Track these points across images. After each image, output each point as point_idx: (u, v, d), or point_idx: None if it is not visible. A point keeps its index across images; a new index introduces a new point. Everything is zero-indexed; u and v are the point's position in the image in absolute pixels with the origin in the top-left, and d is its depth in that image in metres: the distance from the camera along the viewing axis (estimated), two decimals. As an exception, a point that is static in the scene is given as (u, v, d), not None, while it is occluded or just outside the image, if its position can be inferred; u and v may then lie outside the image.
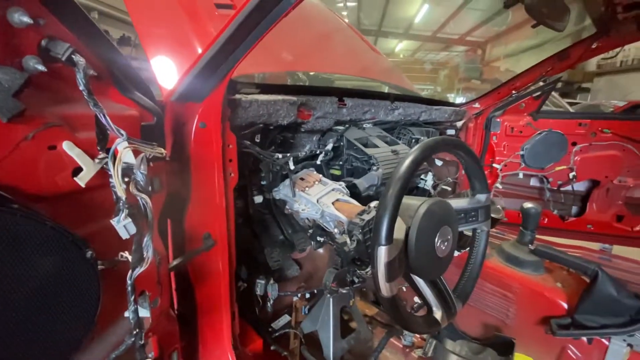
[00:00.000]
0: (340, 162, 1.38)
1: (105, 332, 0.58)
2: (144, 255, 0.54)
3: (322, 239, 1.21)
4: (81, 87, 0.47)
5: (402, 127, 1.76)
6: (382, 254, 0.66)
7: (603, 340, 1.05)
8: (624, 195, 1.96)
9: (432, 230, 0.75)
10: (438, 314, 0.83)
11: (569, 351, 1.11)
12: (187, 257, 0.81)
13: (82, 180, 0.49)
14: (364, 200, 1.11)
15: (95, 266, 0.50)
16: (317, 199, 1.10)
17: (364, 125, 1.49)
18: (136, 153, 0.56)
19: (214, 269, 0.88)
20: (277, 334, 1.33)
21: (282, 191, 1.22)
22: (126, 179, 0.54)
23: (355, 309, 1.40)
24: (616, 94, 8.07)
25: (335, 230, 1.04)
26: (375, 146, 1.37)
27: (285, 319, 1.41)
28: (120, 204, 0.49)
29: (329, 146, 1.33)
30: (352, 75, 2.12)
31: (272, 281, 1.25)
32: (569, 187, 2.02)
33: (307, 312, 1.34)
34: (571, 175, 1.96)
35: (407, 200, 0.79)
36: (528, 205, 1.26)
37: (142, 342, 0.63)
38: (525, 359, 1.15)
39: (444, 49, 13.28)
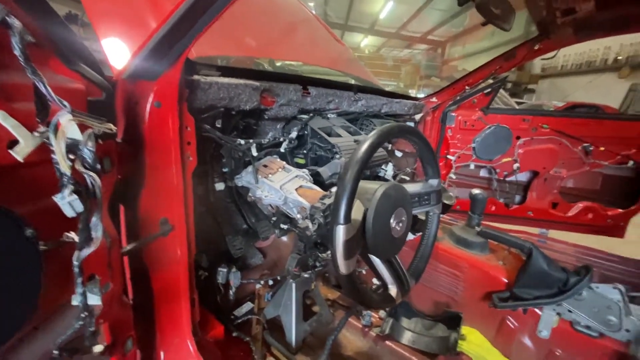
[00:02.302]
0: (305, 151, 1.38)
1: (52, 316, 0.55)
2: (92, 236, 0.51)
3: (285, 227, 1.22)
4: (17, 52, 0.43)
5: (364, 119, 1.81)
6: (341, 232, 0.69)
7: (536, 310, 1.18)
8: (559, 185, 2.18)
9: (388, 211, 0.79)
10: (393, 290, 0.88)
11: (507, 321, 1.23)
12: (143, 241, 0.78)
13: (19, 154, 0.45)
14: (327, 188, 1.12)
15: (36, 246, 0.47)
16: (281, 186, 1.10)
17: (328, 115, 1.52)
18: (83, 129, 0.53)
19: (172, 255, 0.85)
20: (239, 321, 1.32)
21: (244, 178, 1.20)
22: (72, 156, 0.51)
23: (318, 293, 1.43)
24: (557, 95, 8.89)
25: (298, 216, 1.06)
26: (339, 136, 1.40)
27: (248, 306, 1.40)
28: (65, 180, 0.46)
29: (293, 134, 1.33)
30: (317, 66, 2.13)
31: (234, 269, 1.25)
32: (513, 178, 2.21)
33: (270, 298, 1.34)
34: (515, 166, 2.14)
35: (366, 184, 0.82)
36: (476, 191, 1.37)
37: (93, 328, 0.61)
38: (471, 330, 1.26)
39: (407, 46, 13.73)
